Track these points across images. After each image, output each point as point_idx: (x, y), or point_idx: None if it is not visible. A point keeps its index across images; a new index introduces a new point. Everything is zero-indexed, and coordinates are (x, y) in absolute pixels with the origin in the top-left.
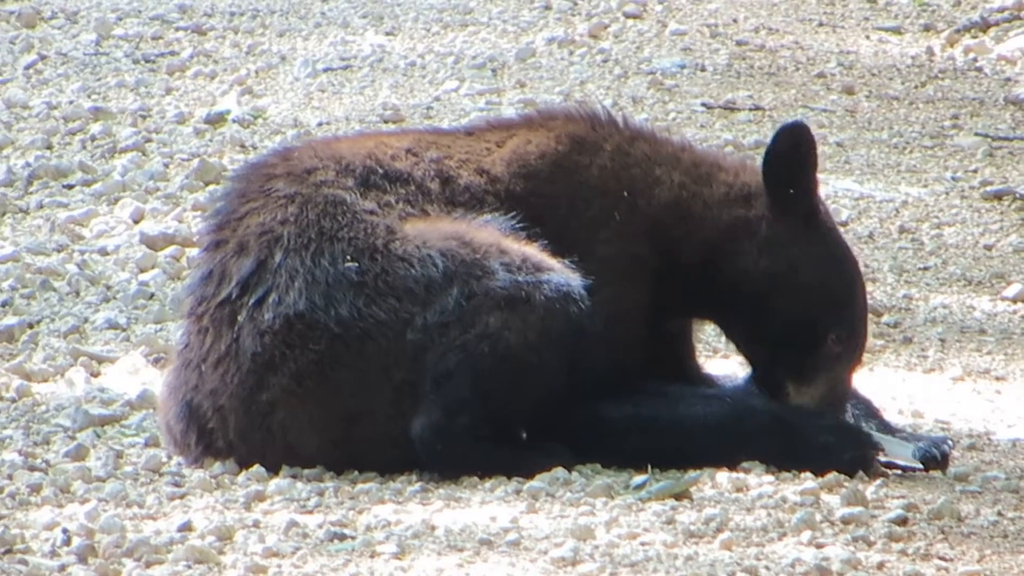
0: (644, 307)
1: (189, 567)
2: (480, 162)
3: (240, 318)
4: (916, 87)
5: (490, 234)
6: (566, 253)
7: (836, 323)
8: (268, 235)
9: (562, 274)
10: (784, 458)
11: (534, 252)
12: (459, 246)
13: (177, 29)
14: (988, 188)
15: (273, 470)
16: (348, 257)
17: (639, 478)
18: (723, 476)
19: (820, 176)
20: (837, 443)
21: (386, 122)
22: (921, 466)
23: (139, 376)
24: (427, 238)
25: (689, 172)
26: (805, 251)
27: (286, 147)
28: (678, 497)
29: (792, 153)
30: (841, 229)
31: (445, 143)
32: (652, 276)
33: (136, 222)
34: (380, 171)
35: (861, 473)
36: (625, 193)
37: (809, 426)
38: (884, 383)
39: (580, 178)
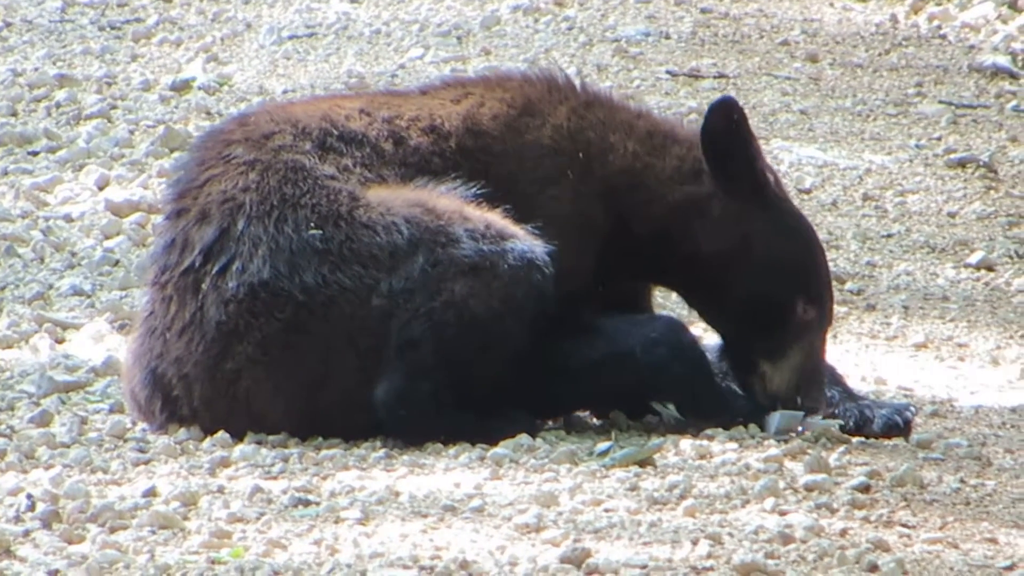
0: (590, 266)
1: (153, 532)
2: (432, 120)
3: (204, 286)
4: (880, 55)
5: (453, 201)
6: (512, 211)
7: (801, 291)
8: (230, 203)
9: (526, 241)
10: (687, 401)
11: (497, 219)
12: (423, 213)
13: None
14: (952, 156)
15: (238, 437)
16: (312, 224)
17: (603, 445)
18: (687, 443)
19: (784, 144)
20: (736, 397)
21: (351, 90)
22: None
23: (104, 343)
24: (391, 205)
25: (643, 141)
26: (757, 226)
27: (242, 112)
28: (642, 464)
29: (725, 129)
30: (804, 196)
31: (397, 103)
32: (603, 237)
33: (101, 189)
34: (335, 133)
35: (824, 440)
36: (580, 154)
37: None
38: (847, 350)
39: (531, 137)
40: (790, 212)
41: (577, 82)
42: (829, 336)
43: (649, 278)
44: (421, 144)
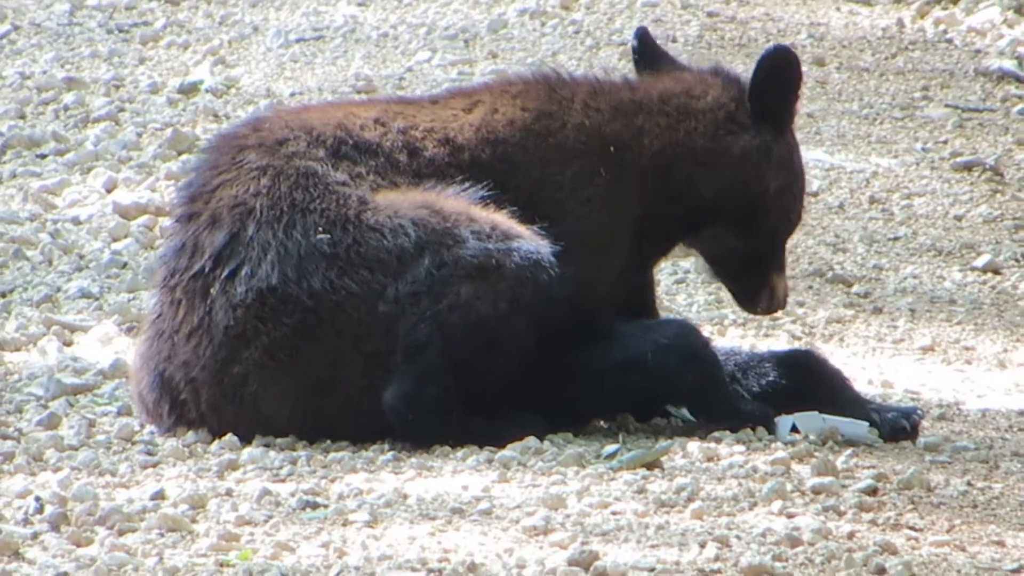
0: (622, 267)
1: (162, 535)
2: (446, 131)
3: (213, 291)
4: (886, 59)
5: (459, 203)
6: (536, 220)
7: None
8: (241, 207)
9: (531, 241)
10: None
11: (503, 219)
12: (430, 215)
13: None
14: (958, 159)
15: (246, 440)
16: (320, 229)
17: (610, 447)
18: (694, 445)
19: None
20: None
21: (358, 92)
22: (879, 439)
23: (112, 345)
24: (398, 208)
25: (665, 112)
26: (796, 156)
27: (256, 117)
28: (649, 466)
29: (786, 74)
30: (812, 199)
31: (411, 112)
32: (637, 230)
33: (109, 191)
34: (350, 142)
35: (831, 443)
36: (611, 148)
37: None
38: (854, 353)
39: (554, 141)
40: (795, 141)
41: (565, 75)
42: (835, 339)
43: (678, 242)
44: (436, 155)
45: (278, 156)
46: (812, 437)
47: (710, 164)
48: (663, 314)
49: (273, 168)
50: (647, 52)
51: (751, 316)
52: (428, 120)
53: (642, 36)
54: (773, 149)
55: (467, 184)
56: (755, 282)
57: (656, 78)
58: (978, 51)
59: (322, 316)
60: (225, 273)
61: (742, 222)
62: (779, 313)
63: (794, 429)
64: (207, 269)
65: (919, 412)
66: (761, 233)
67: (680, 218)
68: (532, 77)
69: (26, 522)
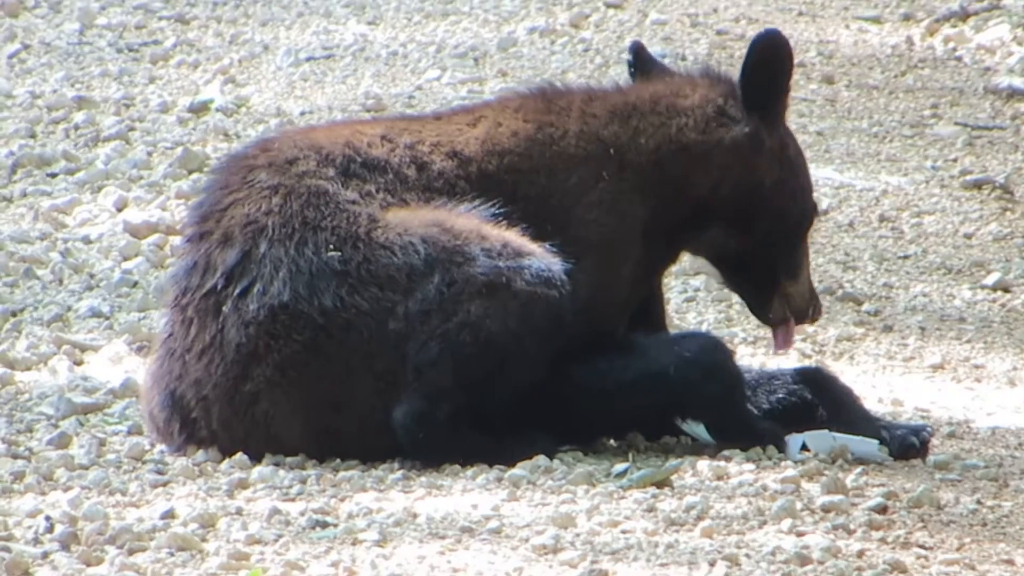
0: (633, 271)
1: (172, 554)
2: (453, 145)
3: (225, 309)
4: (896, 76)
5: (470, 220)
6: (548, 229)
7: (812, 204)
8: (253, 225)
9: (543, 259)
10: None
11: (514, 237)
12: (440, 232)
13: (160, 18)
14: (968, 177)
15: (256, 458)
16: (331, 246)
17: (620, 466)
18: (703, 464)
19: None
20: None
21: (368, 111)
22: (889, 457)
23: (122, 364)
24: (408, 225)
25: (656, 111)
26: (790, 148)
27: (264, 138)
28: (659, 485)
29: (776, 62)
30: (822, 217)
31: (416, 128)
32: (642, 232)
33: (119, 210)
34: (359, 160)
35: (841, 461)
36: (611, 151)
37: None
38: (864, 371)
39: (558, 148)
40: (787, 130)
41: (560, 86)
42: (846, 358)
43: (683, 247)
44: (445, 169)
45: (289, 175)
46: (822, 455)
47: (703, 157)
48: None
49: (284, 187)
50: (642, 64)
51: (761, 335)
52: (434, 135)
53: (637, 49)
54: (765, 141)
55: (477, 199)
56: (764, 289)
57: (647, 82)
58: (988, 69)
59: (333, 333)
60: (237, 291)
61: (740, 221)
62: (803, 326)
63: (804, 448)
64: (219, 287)
65: (929, 430)
66: (760, 233)
67: (682, 218)
68: (529, 91)
69: (36, 541)
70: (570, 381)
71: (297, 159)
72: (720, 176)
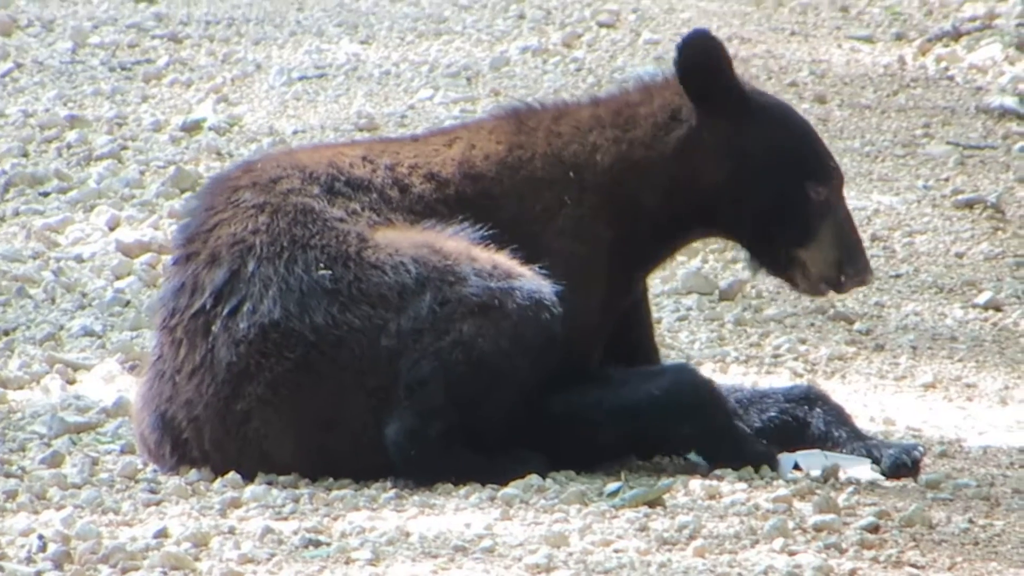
0: (604, 292)
1: (165, 573)
2: (430, 167)
3: (214, 328)
4: (888, 96)
5: (459, 242)
6: (521, 253)
7: (807, 176)
8: (240, 245)
9: (533, 280)
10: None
11: (504, 259)
12: (430, 253)
13: (153, 37)
14: (959, 197)
15: (249, 477)
16: (321, 264)
17: (612, 485)
18: (696, 483)
19: None
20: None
21: (361, 130)
22: (881, 476)
23: (115, 383)
24: (399, 245)
25: (616, 124)
26: (748, 136)
27: (247, 160)
28: (651, 504)
29: (705, 58)
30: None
31: (394, 149)
32: (610, 250)
33: (112, 229)
34: (342, 178)
35: (833, 481)
36: (571, 173)
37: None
38: (856, 390)
39: (526, 172)
40: (770, 106)
41: (536, 104)
42: (837, 377)
43: (667, 250)
44: (424, 191)
45: (274, 193)
46: (814, 474)
47: (650, 170)
48: (664, 352)
49: (270, 205)
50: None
51: (753, 354)
52: (412, 156)
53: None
54: (704, 136)
55: (458, 221)
56: (778, 262)
57: (625, 91)
58: (979, 88)
59: (324, 351)
60: (226, 310)
61: (713, 219)
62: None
63: (796, 467)
64: (208, 307)
65: (920, 449)
66: (748, 222)
67: (649, 233)
68: (503, 111)
69: (29, 560)
70: (550, 415)
71: (281, 178)
72: (669, 186)
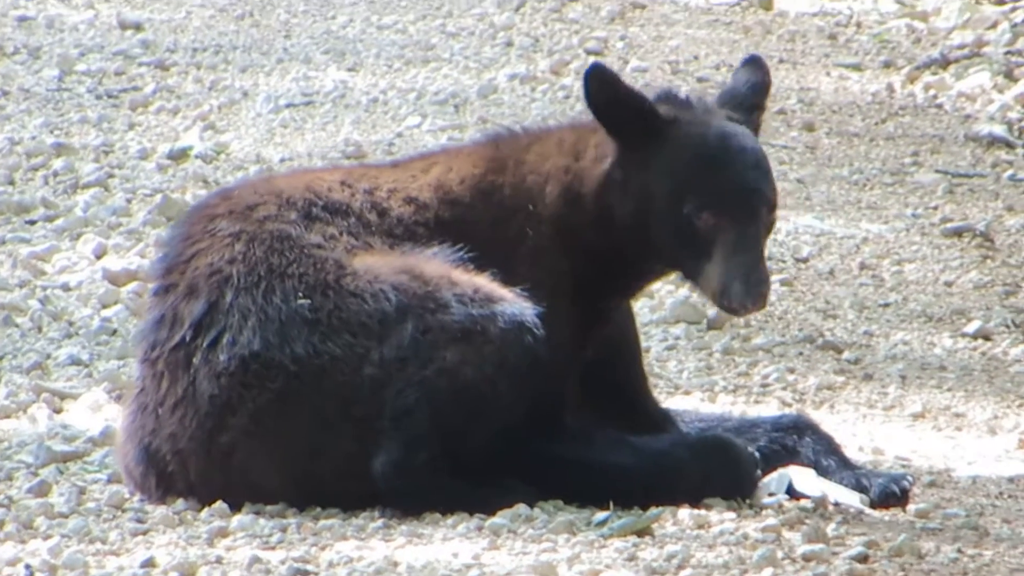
0: (573, 321)
1: None
2: (408, 192)
3: (195, 361)
4: (876, 124)
5: (440, 266)
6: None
7: (699, 204)
8: (217, 275)
9: (515, 304)
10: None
11: (485, 283)
12: (410, 279)
13: (140, 64)
14: (948, 225)
15: (236, 507)
16: (300, 294)
17: (601, 514)
18: (685, 513)
19: (781, 212)
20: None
21: (348, 158)
22: (870, 510)
23: (102, 412)
24: (378, 272)
25: (568, 152)
26: (653, 169)
27: (225, 188)
28: (640, 534)
29: (603, 92)
30: (802, 265)
31: (373, 174)
32: (573, 280)
33: (99, 258)
34: (320, 203)
35: (821, 510)
36: (530, 205)
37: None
38: (845, 420)
39: (497, 199)
40: (681, 136)
41: (519, 129)
42: (826, 406)
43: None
44: (404, 215)
45: (250, 221)
46: (804, 501)
47: (583, 208)
48: (653, 381)
49: (247, 233)
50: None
51: (742, 383)
52: (390, 181)
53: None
54: (615, 172)
55: (438, 243)
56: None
57: (582, 119)
58: (968, 116)
59: (306, 380)
60: (206, 342)
61: (650, 256)
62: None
63: (790, 489)
64: (188, 339)
65: (909, 479)
66: (658, 254)
67: (604, 270)
68: (485, 136)
69: None
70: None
71: (258, 205)
72: (596, 221)
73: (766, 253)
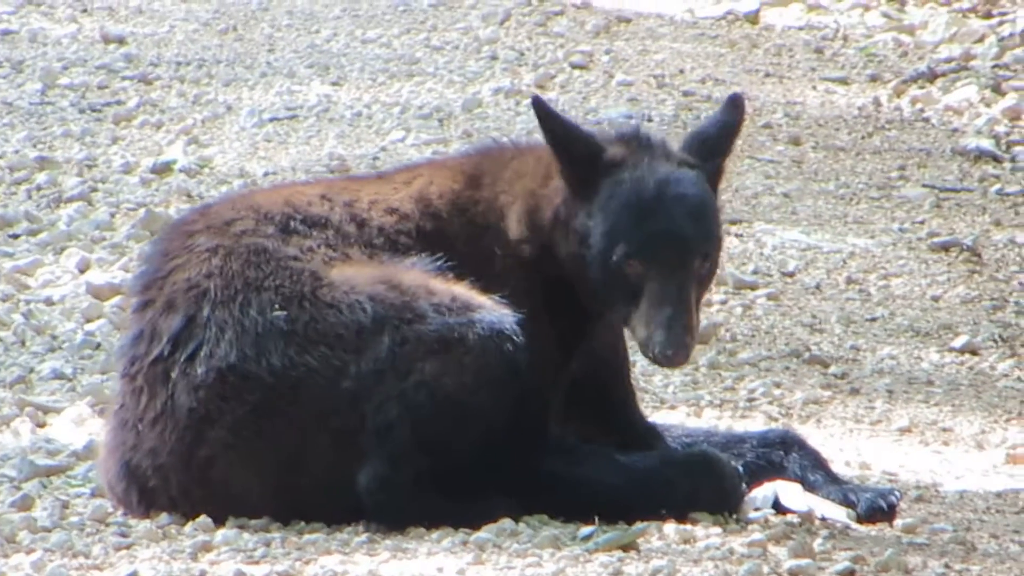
0: (548, 348)
1: None
2: (389, 203)
3: (173, 375)
4: (863, 138)
5: (417, 276)
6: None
7: (627, 251)
8: (195, 290)
9: (493, 312)
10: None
11: (462, 291)
12: (387, 290)
13: (123, 78)
14: (935, 239)
15: (219, 521)
16: (276, 306)
17: (586, 529)
18: (670, 528)
19: (767, 227)
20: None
21: (332, 172)
22: (857, 525)
23: (85, 426)
24: (355, 283)
25: (542, 175)
26: (585, 213)
27: (204, 204)
28: (625, 548)
29: (552, 130)
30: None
31: (355, 187)
32: (543, 300)
33: (82, 272)
34: (299, 217)
35: (808, 525)
36: (500, 224)
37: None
38: (831, 434)
39: (472, 213)
40: (619, 181)
41: (507, 143)
42: (813, 421)
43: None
44: (384, 225)
45: (227, 236)
46: (790, 518)
47: (537, 238)
48: (639, 395)
49: (223, 248)
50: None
51: (728, 398)
52: (372, 193)
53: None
54: (560, 211)
55: (418, 255)
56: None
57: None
58: (955, 130)
59: (283, 393)
60: (184, 356)
61: (588, 297)
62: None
63: (777, 502)
64: (166, 353)
65: (896, 494)
66: (603, 299)
67: (569, 296)
68: (473, 148)
69: None
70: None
71: (235, 219)
72: (546, 254)
73: (702, 303)
